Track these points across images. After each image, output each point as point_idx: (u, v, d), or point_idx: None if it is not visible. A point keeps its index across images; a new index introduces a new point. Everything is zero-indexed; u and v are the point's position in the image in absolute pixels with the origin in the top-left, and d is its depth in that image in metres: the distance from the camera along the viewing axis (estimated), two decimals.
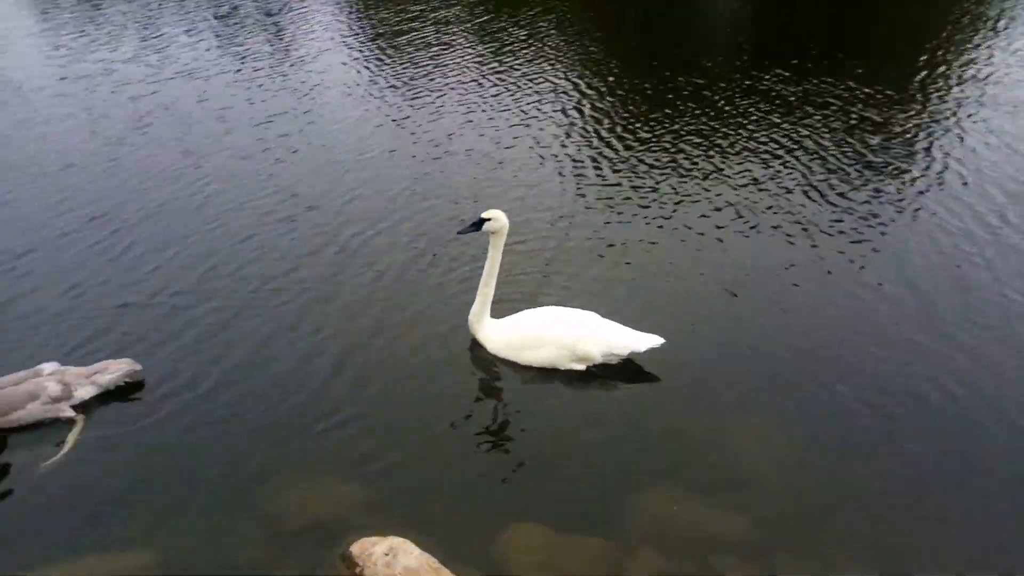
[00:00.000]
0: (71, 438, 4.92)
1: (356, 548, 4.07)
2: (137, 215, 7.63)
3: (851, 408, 5.12)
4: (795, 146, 8.82)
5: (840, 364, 5.51)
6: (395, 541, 4.04)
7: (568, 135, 9.36)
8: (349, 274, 6.64)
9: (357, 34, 13.50)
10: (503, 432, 5.05)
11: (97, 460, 4.80)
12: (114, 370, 5.24)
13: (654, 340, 5.43)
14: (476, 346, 5.76)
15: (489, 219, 5.59)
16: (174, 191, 8.12)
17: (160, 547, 4.23)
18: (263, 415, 5.11)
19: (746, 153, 8.73)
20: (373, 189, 8.12)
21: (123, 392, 5.27)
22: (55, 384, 5.03)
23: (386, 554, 3.96)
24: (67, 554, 4.20)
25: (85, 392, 5.12)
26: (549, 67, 11.56)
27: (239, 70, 11.58)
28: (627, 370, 5.52)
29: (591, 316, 5.62)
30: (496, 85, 10.87)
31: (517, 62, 11.75)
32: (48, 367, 5.17)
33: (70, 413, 5.04)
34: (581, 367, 5.54)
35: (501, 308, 5.84)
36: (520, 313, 5.78)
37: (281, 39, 13.14)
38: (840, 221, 7.29)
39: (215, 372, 5.46)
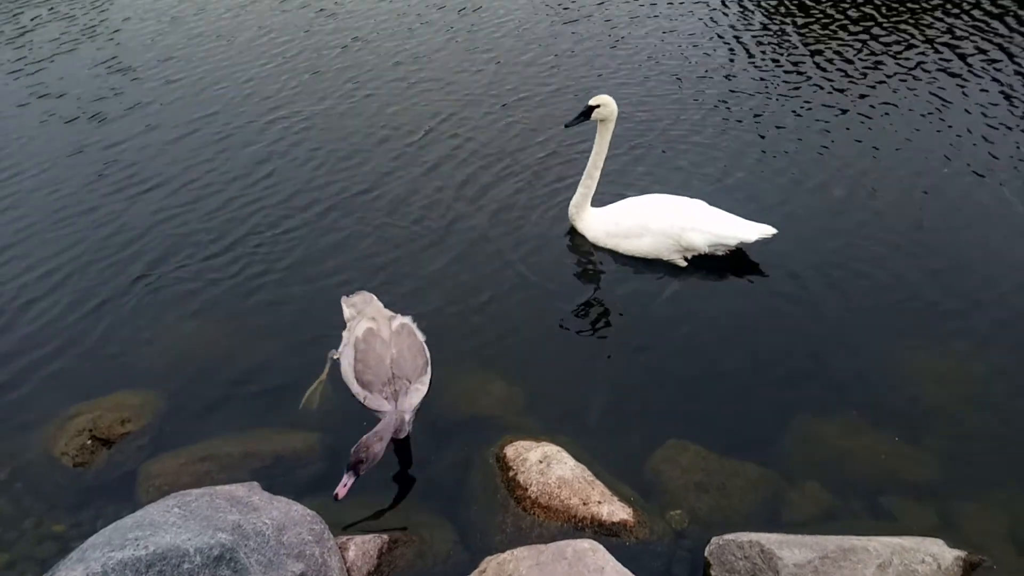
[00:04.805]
0: None
1: (511, 451, 4.10)
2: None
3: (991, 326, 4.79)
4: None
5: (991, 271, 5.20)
6: (549, 449, 4.04)
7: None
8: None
9: None
10: (623, 338, 4.97)
11: None
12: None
13: (765, 230, 5.13)
14: (575, 235, 5.67)
15: (597, 106, 5.29)
16: None
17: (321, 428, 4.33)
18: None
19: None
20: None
21: None
22: None
23: (540, 461, 3.97)
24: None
25: None
26: None
27: None
28: (732, 263, 5.35)
29: (698, 204, 5.35)
30: None
31: None
32: None
33: None
34: (681, 260, 5.34)
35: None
36: (623, 201, 5.57)
37: None
38: None
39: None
